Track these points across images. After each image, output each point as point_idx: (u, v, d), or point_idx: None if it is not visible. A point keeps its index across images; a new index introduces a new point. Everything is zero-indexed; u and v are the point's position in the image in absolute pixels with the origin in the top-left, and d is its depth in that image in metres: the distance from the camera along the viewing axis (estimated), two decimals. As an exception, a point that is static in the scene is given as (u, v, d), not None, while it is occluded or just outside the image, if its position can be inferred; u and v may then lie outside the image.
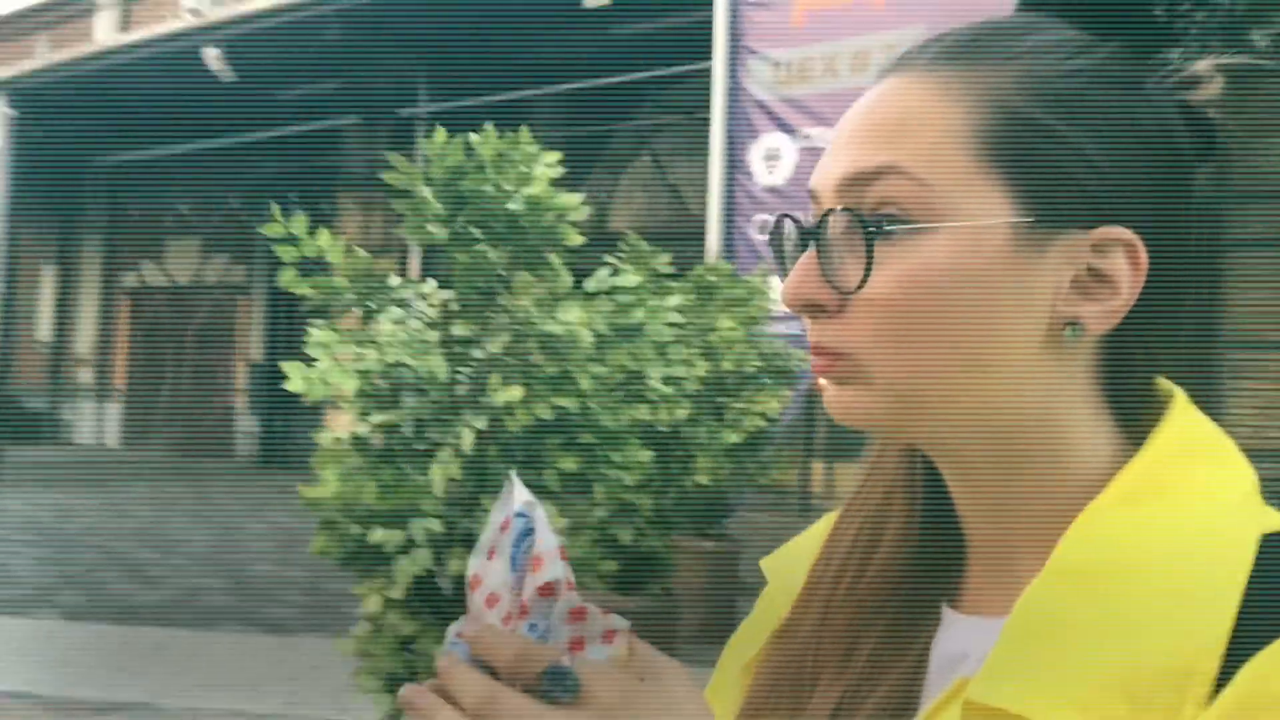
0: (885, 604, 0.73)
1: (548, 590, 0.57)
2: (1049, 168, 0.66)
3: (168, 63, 12.62)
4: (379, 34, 11.37)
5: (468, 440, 2.84)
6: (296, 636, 6.65)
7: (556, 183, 3.22)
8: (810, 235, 0.68)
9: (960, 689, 0.64)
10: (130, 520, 11.55)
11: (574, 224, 3.04)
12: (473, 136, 3.00)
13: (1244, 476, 0.67)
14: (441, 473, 2.88)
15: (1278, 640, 0.56)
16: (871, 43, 8.00)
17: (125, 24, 18.70)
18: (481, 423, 2.84)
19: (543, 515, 0.60)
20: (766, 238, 0.75)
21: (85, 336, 20.39)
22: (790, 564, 0.80)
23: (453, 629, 0.59)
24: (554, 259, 3.06)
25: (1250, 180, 9.30)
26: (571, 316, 2.89)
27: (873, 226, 0.64)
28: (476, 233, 3.04)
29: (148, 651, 6.34)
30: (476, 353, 2.97)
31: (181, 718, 5.16)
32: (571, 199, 3.04)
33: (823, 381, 0.69)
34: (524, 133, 3.03)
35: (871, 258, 0.64)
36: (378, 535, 2.93)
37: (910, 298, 0.64)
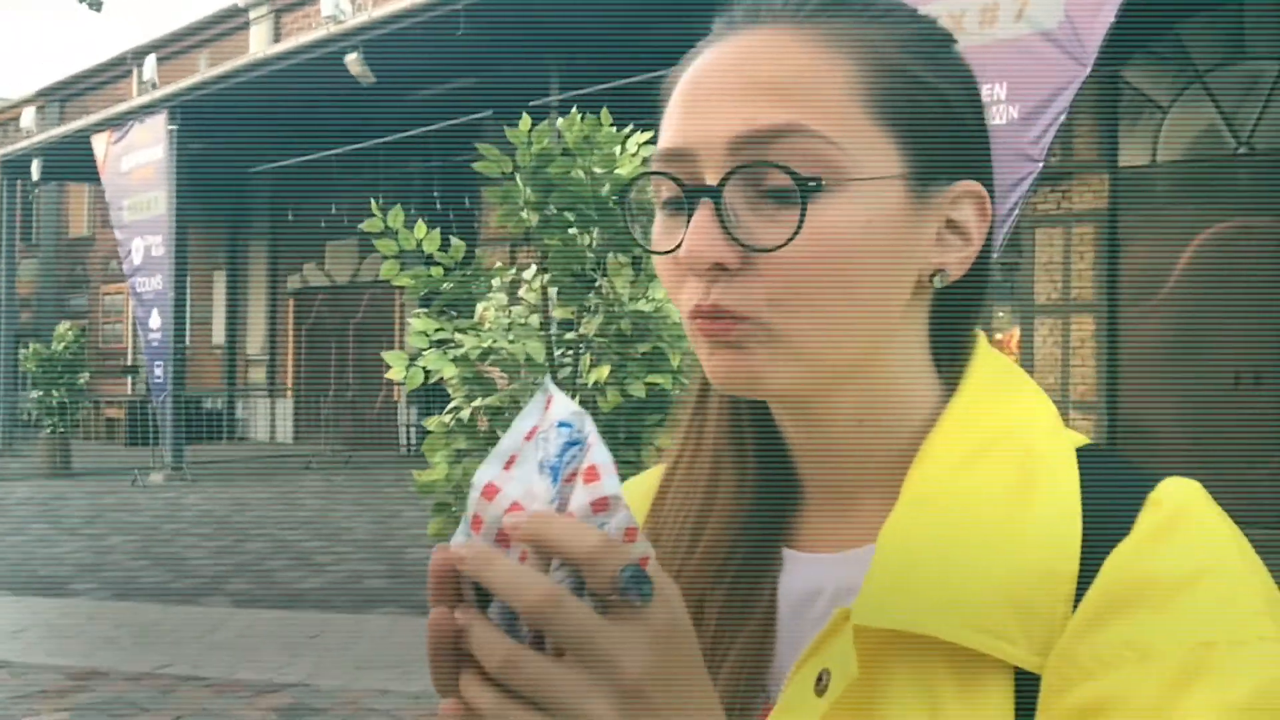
0: (729, 556, 0.74)
1: (602, 505, 0.52)
2: (930, 122, 0.68)
3: (313, 70, 13.09)
4: (507, 27, 11.56)
5: (563, 420, 2.89)
6: (446, 618, 6.87)
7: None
8: (706, 193, 0.65)
9: (843, 620, 0.65)
10: (299, 511, 12.08)
11: (662, 202, 3.06)
12: (559, 121, 3.05)
13: (1046, 403, 0.73)
14: (541, 453, 2.95)
15: (1130, 534, 0.63)
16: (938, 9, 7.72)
17: (277, 35, 19.49)
18: (575, 402, 2.89)
19: (594, 428, 0.54)
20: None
21: (255, 338, 21.39)
22: None
23: (454, 543, 0.52)
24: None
25: None
26: (661, 294, 2.91)
27: (811, 183, 0.63)
28: (569, 217, 3.09)
29: (309, 634, 6.64)
30: (570, 335, 3.03)
31: (337, 697, 5.40)
32: (656, 178, 3.04)
33: (711, 347, 0.66)
34: (605, 115, 3.06)
35: (804, 216, 0.63)
36: (484, 516, 3.01)
37: (822, 256, 0.64)
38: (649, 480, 0.82)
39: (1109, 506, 0.65)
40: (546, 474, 0.53)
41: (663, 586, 0.52)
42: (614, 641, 0.50)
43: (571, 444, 0.53)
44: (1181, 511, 0.64)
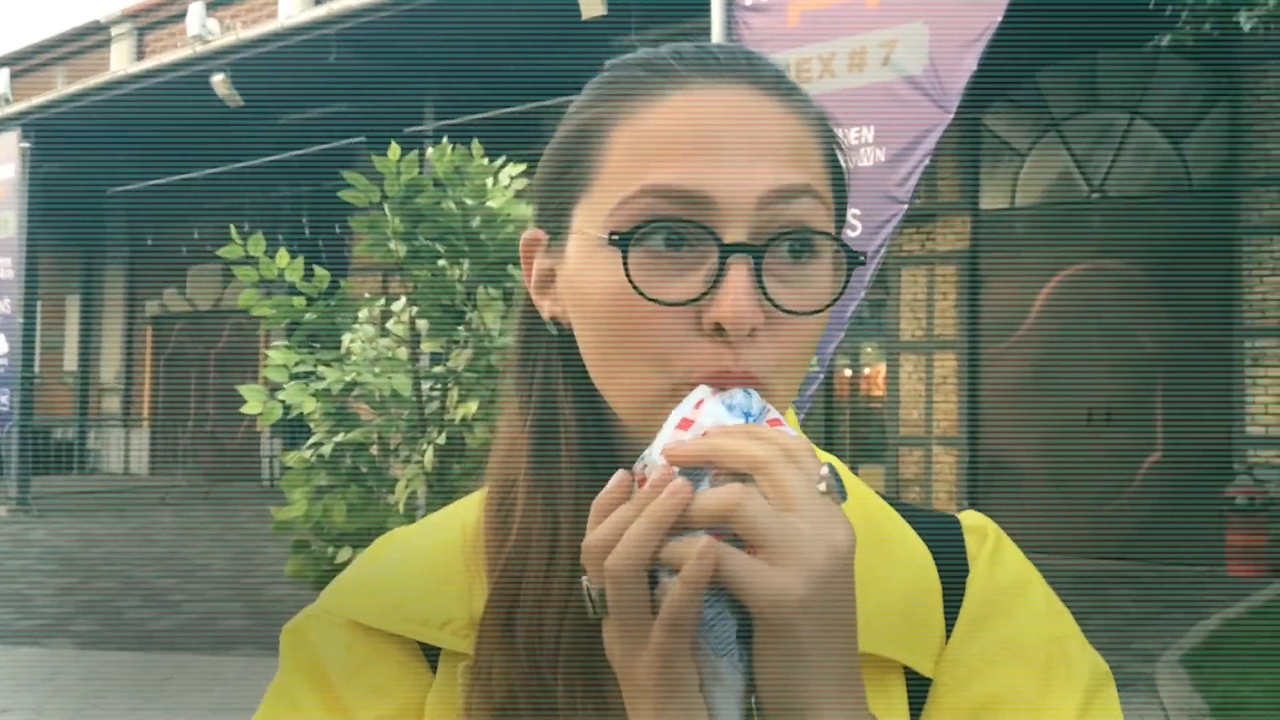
0: (576, 591, 0.67)
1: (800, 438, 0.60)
2: (843, 189, 0.74)
3: (178, 90, 12.72)
4: (381, 54, 11.42)
5: (429, 456, 2.82)
6: (307, 658, 6.65)
7: (524, 193, 3.21)
8: (748, 251, 0.63)
9: None
10: (153, 547, 11.62)
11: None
12: (429, 152, 2.99)
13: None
14: (405, 490, 2.86)
15: (977, 557, 0.77)
16: (867, 41, 7.93)
17: (139, 54, 18.90)
18: (442, 439, 2.82)
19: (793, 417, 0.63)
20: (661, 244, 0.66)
21: (110, 365, 20.58)
22: (396, 596, 0.73)
23: (651, 452, 0.59)
24: (516, 271, 3.04)
25: (1265, 166, 9.30)
26: (531, 328, 2.87)
27: (860, 255, 0.67)
28: (439, 248, 3.02)
29: (161, 678, 6.36)
30: (439, 369, 2.95)
31: (188, 743, 5.17)
32: (528, 209, 3.01)
33: None
34: (477, 146, 3.01)
35: (849, 281, 0.67)
36: (345, 555, 2.91)
37: (820, 319, 0.67)
38: (444, 532, 0.76)
39: (934, 533, 0.77)
40: (738, 414, 0.61)
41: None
42: (831, 508, 0.57)
43: (763, 407, 0.62)
44: (1000, 535, 0.79)
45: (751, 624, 0.56)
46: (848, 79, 8.09)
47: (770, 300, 0.64)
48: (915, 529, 0.76)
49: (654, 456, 0.59)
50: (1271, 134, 9.27)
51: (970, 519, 0.79)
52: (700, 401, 0.61)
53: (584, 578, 0.59)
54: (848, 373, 12.13)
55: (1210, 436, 9.43)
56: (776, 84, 0.69)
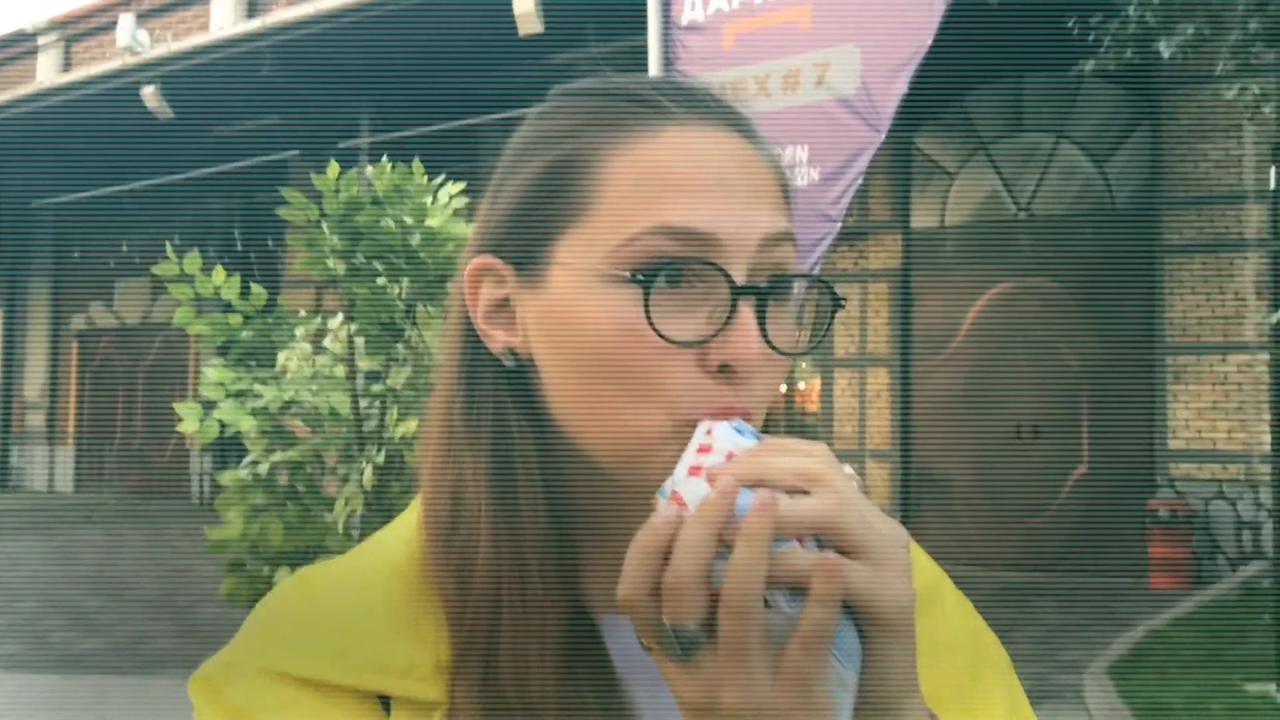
0: (552, 634, 0.67)
1: None
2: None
3: (107, 102, 12.52)
4: (316, 68, 11.34)
5: (368, 475, 2.81)
6: (239, 678, 6.56)
7: (464, 212, 3.22)
8: (755, 292, 0.65)
9: None
10: (78, 566, 11.36)
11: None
12: (368, 170, 2.99)
13: None
14: (345, 509, 2.86)
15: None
16: (801, 62, 8.05)
17: (67, 64, 18.56)
18: (381, 457, 2.82)
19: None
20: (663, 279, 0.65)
21: (34, 381, 20.11)
22: (339, 643, 0.67)
23: (679, 479, 0.59)
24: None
25: (1185, 187, 9.58)
26: (470, 347, 2.88)
27: (842, 299, 0.70)
28: (378, 266, 3.02)
29: (89, 700, 6.23)
30: (377, 387, 2.95)
31: (116, 767, 5.08)
32: (468, 228, 3.03)
33: None
34: (417, 165, 3.02)
35: (831, 323, 0.70)
36: (283, 573, 2.89)
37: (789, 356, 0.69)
38: (373, 573, 0.72)
39: None
40: (749, 438, 0.61)
41: None
42: (879, 510, 0.58)
43: (755, 434, 0.62)
44: (908, 540, 0.75)
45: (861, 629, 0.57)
46: (782, 99, 8.19)
47: (768, 341, 0.65)
48: None
49: (683, 484, 0.58)
50: (1190, 156, 9.55)
51: None
52: (710, 429, 0.61)
53: (664, 619, 0.55)
54: (782, 389, 12.24)
55: (1133, 450, 9.66)
56: (752, 128, 0.72)
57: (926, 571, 0.80)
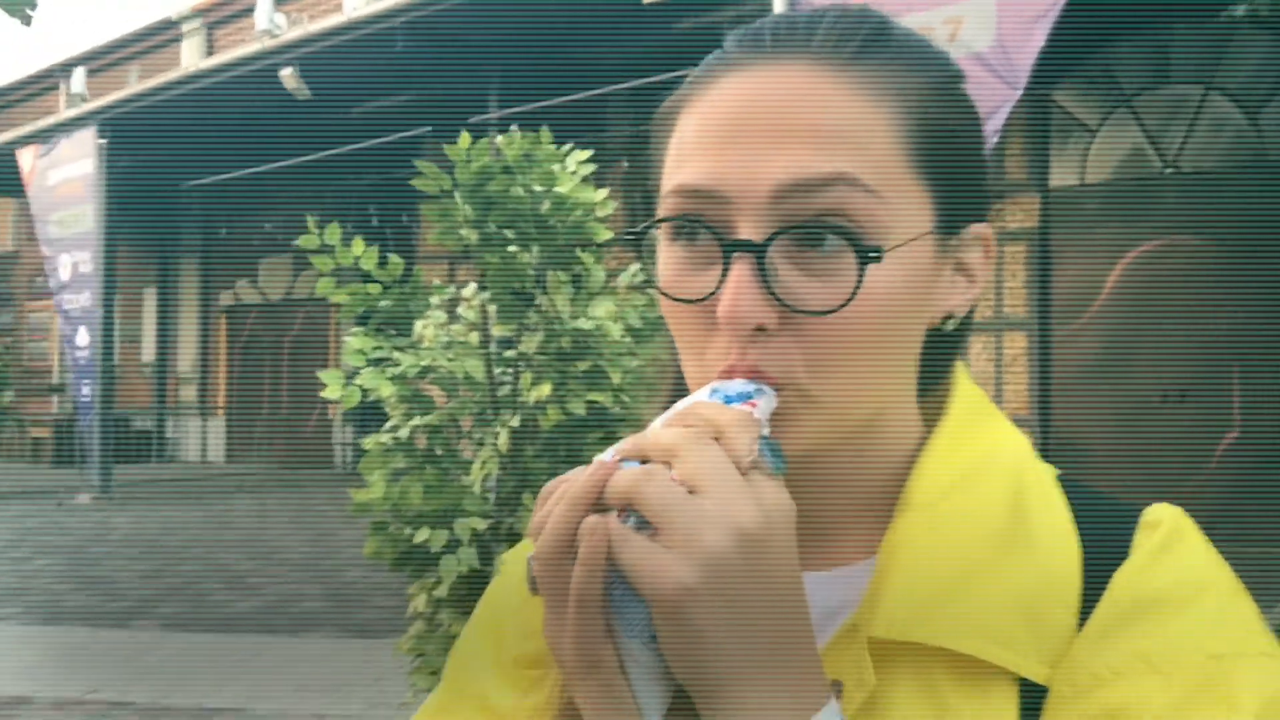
0: None
1: (748, 417, 0.58)
2: (959, 172, 0.67)
3: (247, 84, 12.94)
4: (446, 44, 11.52)
5: (504, 439, 2.88)
6: (384, 639, 6.78)
7: (594, 178, 3.25)
8: (748, 248, 0.61)
9: (852, 631, 0.66)
10: (232, 532, 11.88)
11: (602, 220, 3.06)
12: (499, 139, 3.04)
13: (1021, 434, 0.74)
14: (481, 471, 2.92)
15: (1132, 553, 0.66)
16: (932, 18, 7.86)
17: (209, 49, 19.25)
18: (516, 421, 2.88)
19: (774, 400, 0.61)
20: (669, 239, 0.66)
21: (186, 356, 21.03)
22: None
23: (610, 452, 0.58)
24: (585, 256, 3.09)
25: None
26: (600, 312, 2.91)
27: (872, 253, 0.61)
28: (508, 234, 3.07)
29: (244, 658, 6.52)
30: (510, 353, 3.01)
31: (270, 721, 5.31)
32: (595, 194, 3.05)
33: None
34: (545, 133, 3.05)
35: (861, 280, 0.61)
36: (423, 534, 2.98)
37: (864, 318, 0.62)
38: None
39: (1101, 526, 0.68)
40: (718, 397, 0.60)
41: (783, 485, 0.56)
42: (743, 486, 0.54)
43: (746, 394, 0.60)
44: (1177, 532, 0.68)
45: None
46: (913, 58, 7.96)
47: (777, 298, 0.61)
48: (1080, 515, 0.68)
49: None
50: (1352, 104, 9.04)
51: (1154, 512, 0.69)
52: (713, 389, 0.61)
53: (529, 558, 0.58)
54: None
55: (1290, 414, 9.24)
56: (836, 51, 0.64)
57: (1179, 574, 0.65)
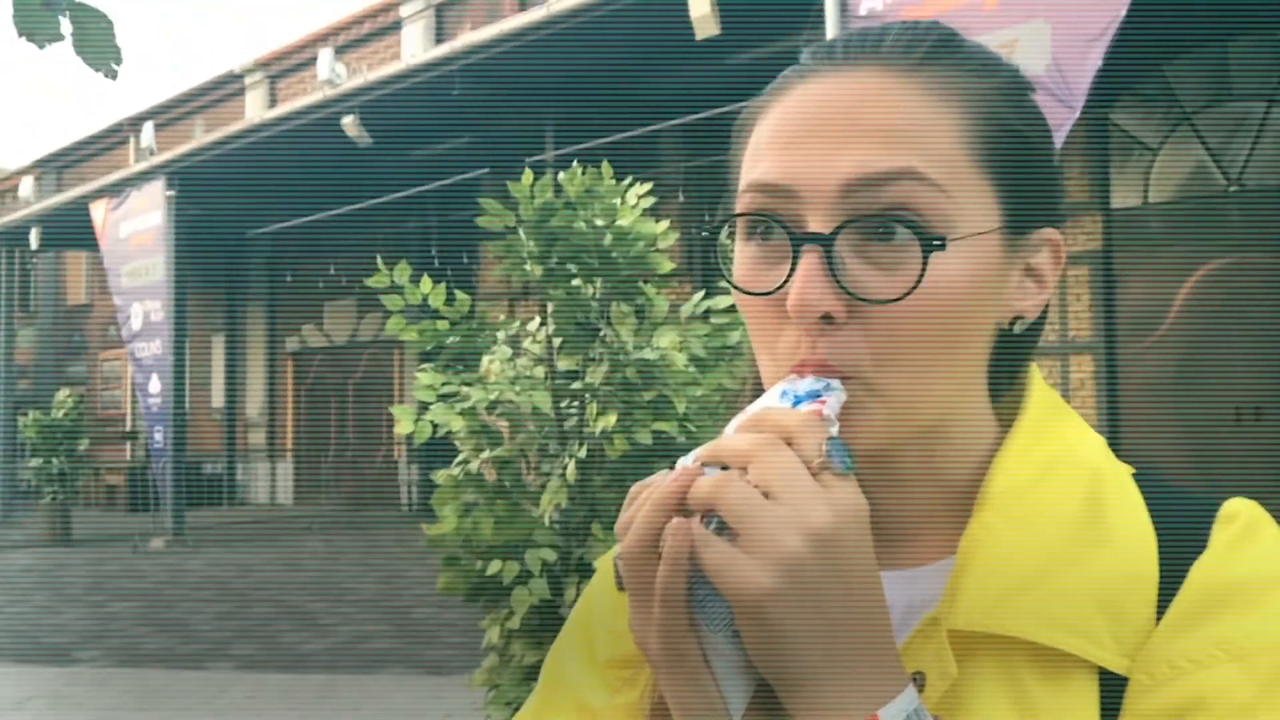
0: None
1: (815, 414, 0.60)
2: (1025, 174, 0.70)
3: (310, 133, 13.21)
4: (502, 87, 11.70)
5: (571, 470, 2.91)
6: (453, 675, 6.81)
7: (650, 212, 3.29)
8: (816, 239, 0.64)
9: (932, 625, 0.68)
10: (302, 573, 12.01)
11: (663, 251, 3.10)
12: (561, 175, 3.09)
13: (1095, 433, 0.75)
14: (550, 503, 2.95)
15: (1210, 545, 0.67)
16: (988, 41, 7.77)
17: (272, 100, 19.69)
18: (583, 452, 2.91)
19: (843, 397, 0.63)
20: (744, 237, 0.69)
21: (254, 401, 21.38)
22: None
23: (690, 457, 0.60)
24: (648, 287, 3.12)
25: None
26: (665, 342, 2.93)
27: (936, 241, 0.63)
28: (571, 268, 3.12)
29: (315, 697, 6.58)
30: (576, 385, 3.04)
31: (345, 758, 5.35)
32: (656, 227, 3.09)
33: None
34: (606, 167, 3.10)
35: (925, 268, 0.63)
36: (495, 567, 3.01)
37: (930, 309, 0.64)
38: None
39: (1178, 520, 0.69)
40: (788, 400, 0.62)
41: (854, 478, 0.58)
42: (813, 491, 0.56)
43: (816, 392, 0.62)
44: (1254, 524, 0.69)
45: None
46: (968, 83, 7.94)
47: (844, 288, 0.63)
48: (1157, 510, 0.69)
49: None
50: None
51: (1231, 506, 0.70)
52: (784, 390, 0.63)
53: (615, 557, 0.61)
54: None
55: (1370, 432, 9.01)
56: (905, 57, 0.68)
57: (1258, 564, 0.66)
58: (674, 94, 10.77)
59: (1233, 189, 9.93)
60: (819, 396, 0.61)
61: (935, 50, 0.69)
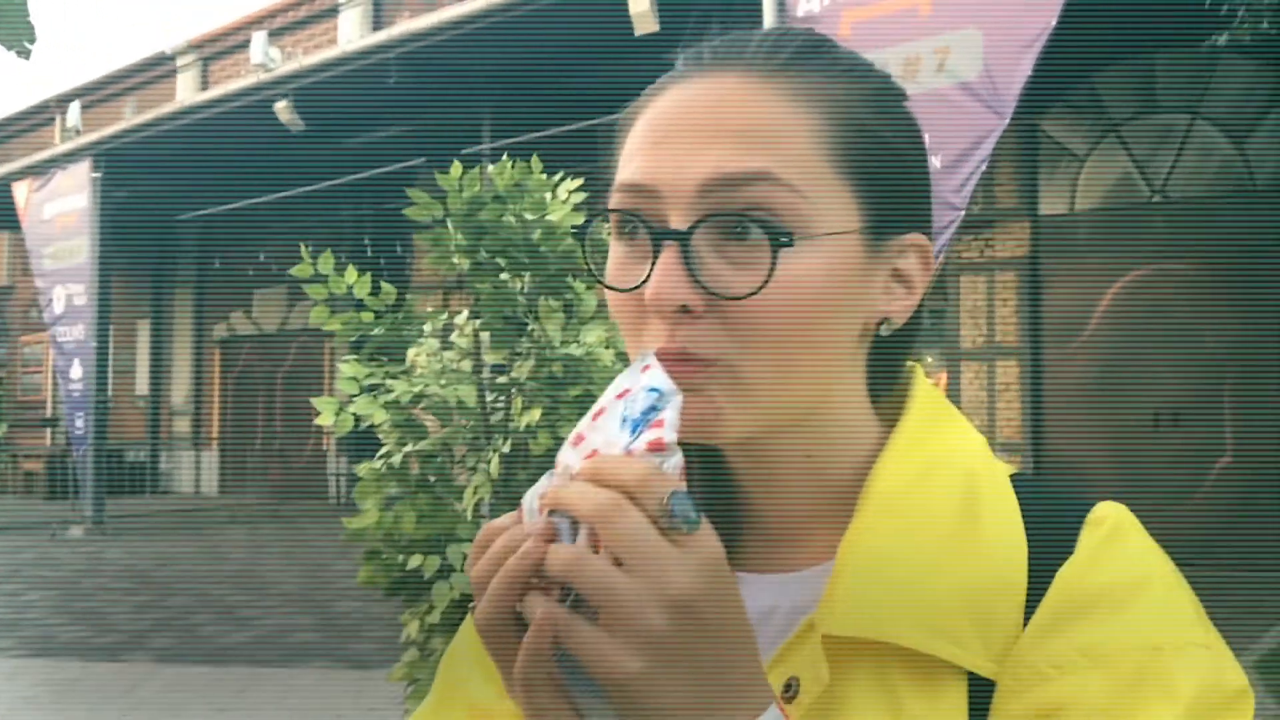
0: None
1: (658, 446, 0.56)
2: (886, 177, 0.71)
3: (242, 118, 13.00)
4: (439, 77, 11.60)
5: (495, 465, 2.89)
6: (377, 670, 6.76)
7: (582, 207, 3.28)
8: (674, 236, 0.66)
9: (809, 630, 0.68)
10: (225, 564, 11.84)
11: (592, 247, 3.09)
12: (490, 168, 3.07)
13: (977, 434, 0.77)
14: (473, 497, 2.94)
15: (1076, 551, 0.68)
16: (920, 48, 7.94)
17: (204, 83, 19.35)
18: (507, 447, 2.90)
19: (679, 398, 0.59)
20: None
21: (180, 388, 21.01)
22: None
23: (533, 492, 0.58)
24: (576, 283, 3.12)
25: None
26: (591, 338, 2.93)
27: (783, 238, 0.65)
28: (500, 261, 3.10)
29: (236, 690, 6.50)
30: (502, 379, 3.03)
31: (264, 753, 5.28)
32: (586, 223, 3.07)
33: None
34: (536, 161, 3.09)
35: (775, 265, 0.64)
36: (416, 561, 2.99)
37: (786, 304, 0.66)
38: None
39: (1049, 524, 0.70)
40: (627, 427, 0.58)
41: (705, 521, 0.55)
42: (668, 555, 0.53)
43: (654, 407, 0.58)
44: (1119, 529, 0.70)
45: None
46: (902, 86, 8.01)
47: (699, 283, 0.65)
48: (1029, 513, 0.70)
49: (567, 451, 0.59)
50: (1337, 131, 9.12)
51: (1099, 510, 0.71)
52: (625, 391, 0.61)
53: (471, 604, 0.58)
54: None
55: (1281, 439, 9.27)
56: (767, 62, 0.69)
57: (1121, 571, 0.67)
58: (612, 90, 10.74)
59: (1156, 199, 10.16)
60: (656, 411, 0.59)
61: (798, 55, 0.70)
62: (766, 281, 0.64)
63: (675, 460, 0.57)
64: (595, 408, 0.60)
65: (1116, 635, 0.64)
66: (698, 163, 0.66)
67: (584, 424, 0.60)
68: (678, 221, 0.66)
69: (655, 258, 0.66)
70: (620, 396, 0.60)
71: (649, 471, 0.55)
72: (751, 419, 0.68)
